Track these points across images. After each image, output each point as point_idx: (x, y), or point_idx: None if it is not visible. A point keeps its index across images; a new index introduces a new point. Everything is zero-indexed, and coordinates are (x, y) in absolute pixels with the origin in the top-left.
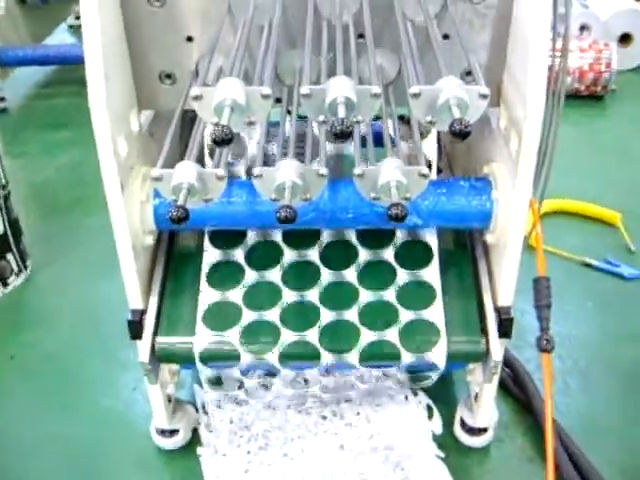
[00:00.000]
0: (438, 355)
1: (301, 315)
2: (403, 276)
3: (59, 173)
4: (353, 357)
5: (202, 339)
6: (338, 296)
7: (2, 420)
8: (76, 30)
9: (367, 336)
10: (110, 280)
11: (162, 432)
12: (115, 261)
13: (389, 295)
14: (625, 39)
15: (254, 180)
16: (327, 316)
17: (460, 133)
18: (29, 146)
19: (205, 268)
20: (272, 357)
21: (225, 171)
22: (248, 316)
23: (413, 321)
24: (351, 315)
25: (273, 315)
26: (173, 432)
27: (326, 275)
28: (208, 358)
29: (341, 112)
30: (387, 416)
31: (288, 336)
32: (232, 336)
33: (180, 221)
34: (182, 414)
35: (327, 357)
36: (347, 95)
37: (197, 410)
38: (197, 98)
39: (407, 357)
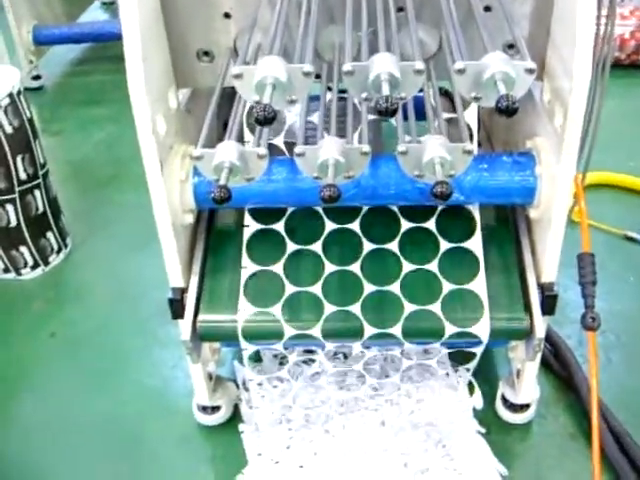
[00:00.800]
0: (481, 328)
1: (344, 288)
2: (446, 247)
3: (96, 150)
4: (396, 329)
5: (245, 315)
6: (380, 268)
7: (45, 398)
8: (109, 7)
9: (410, 308)
10: (148, 257)
11: (204, 409)
12: (153, 238)
13: (432, 266)
14: None
15: (296, 158)
16: (369, 288)
17: (507, 109)
18: (66, 124)
19: (246, 243)
20: (315, 331)
21: (266, 150)
22: (290, 290)
23: (456, 293)
24: (394, 287)
25: (316, 288)
26: (215, 409)
27: (368, 246)
28: (251, 335)
29: (385, 89)
30: (428, 392)
31: (331, 309)
32: (275, 311)
33: (223, 201)
34: (223, 391)
35: (370, 330)
36: (391, 72)
37: (238, 387)
38: (238, 77)
39: (450, 329)
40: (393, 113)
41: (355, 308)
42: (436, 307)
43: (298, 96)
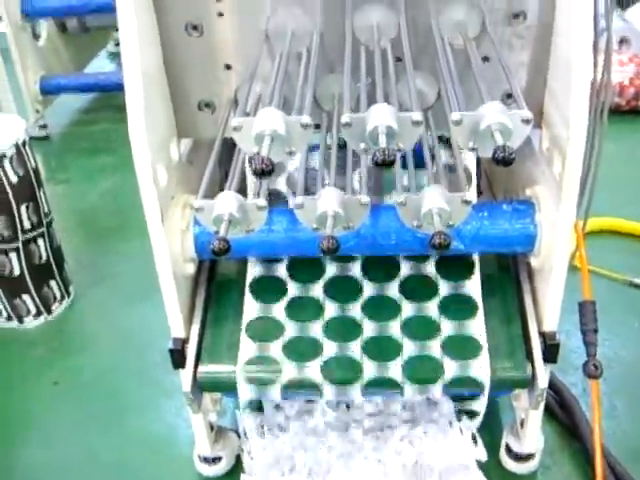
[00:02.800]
0: (481, 372)
1: (344, 331)
2: (445, 292)
3: (101, 199)
4: (396, 373)
5: (246, 356)
6: (380, 312)
7: (48, 445)
8: (115, 57)
9: (409, 351)
10: (152, 306)
11: (205, 459)
12: (156, 287)
13: (432, 311)
14: None
15: (295, 210)
16: (369, 332)
17: (504, 160)
18: (71, 172)
19: (248, 287)
20: (315, 374)
21: (266, 201)
22: (291, 332)
23: (456, 338)
24: (394, 331)
25: (316, 331)
26: (216, 459)
27: (368, 291)
28: (251, 379)
29: (382, 141)
30: (431, 443)
31: (331, 352)
32: (275, 354)
33: (222, 253)
34: (225, 441)
35: (369, 372)
36: (388, 124)
37: (239, 437)
38: (237, 129)
39: (450, 372)
40: (390, 165)
41: (355, 351)
42: (436, 350)
43: (297, 147)
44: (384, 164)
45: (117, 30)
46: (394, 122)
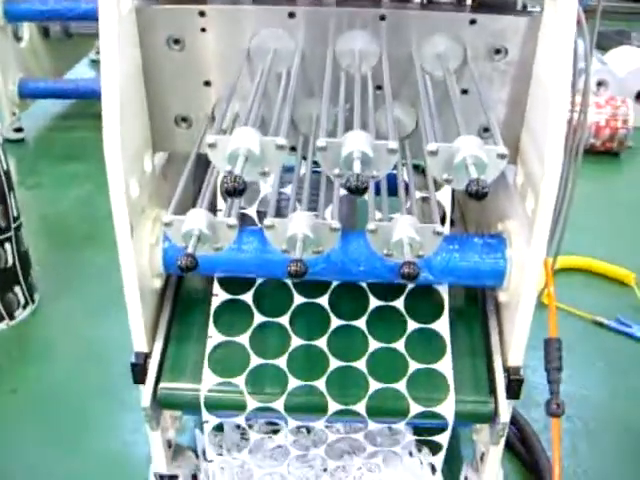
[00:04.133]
0: (446, 409)
1: (309, 362)
2: (413, 327)
3: (72, 206)
4: (360, 407)
5: (208, 384)
6: (347, 344)
7: (3, 454)
8: (96, 64)
9: (375, 386)
10: (116, 318)
11: (161, 478)
12: (122, 299)
13: (399, 345)
14: None
15: (265, 231)
16: (335, 364)
17: (477, 194)
18: (44, 177)
19: (213, 312)
20: (279, 405)
21: (236, 220)
22: (255, 362)
23: (422, 373)
24: (360, 364)
25: (281, 362)
26: (172, 477)
27: (335, 322)
28: (213, 405)
29: (357, 167)
30: (390, 471)
31: (295, 384)
32: (239, 382)
33: (188, 270)
34: (182, 459)
35: (334, 406)
36: (363, 150)
37: (197, 456)
38: (212, 146)
39: (415, 409)
40: (363, 192)
41: (320, 383)
42: (401, 386)
43: (271, 168)
44: (357, 190)
45: None
46: (369, 149)
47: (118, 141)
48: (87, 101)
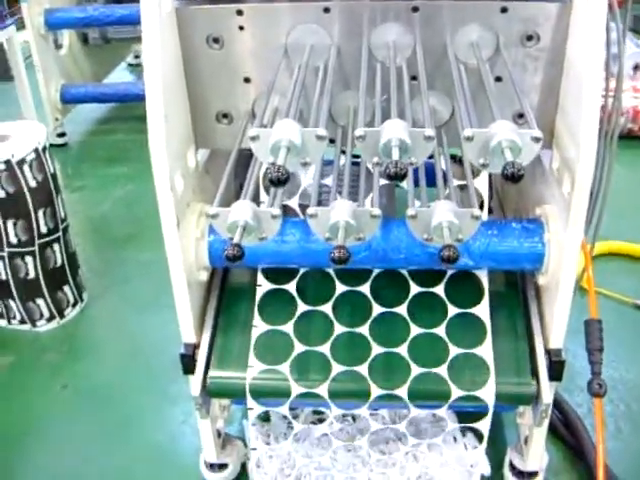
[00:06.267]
0: (487, 392)
1: (352, 349)
2: (454, 312)
3: (115, 207)
4: (402, 391)
5: (254, 372)
6: (389, 330)
7: (55, 449)
8: (135, 68)
9: (417, 370)
10: (162, 314)
11: (211, 466)
12: (166, 295)
13: (439, 331)
14: None
15: (308, 219)
16: (377, 350)
17: (513, 176)
18: (87, 180)
19: (257, 302)
20: (322, 391)
21: (280, 210)
22: (299, 349)
23: (463, 357)
24: (401, 350)
25: (324, 348)
26: (222, 466)
27: (377, 309)
28: (259, 392)
29: (395, 154)
30: (435, 457)
31: (339, 369)
32: (284, 369)
33: (235, 259)
34: (231, 448)
35: (376, 391)
36: (401, 137)
37: (246, 445)
38: (254, 139)
39: (456, 392)
40: (402, 178)
41: (362, 369)
42: (443, 370)
43: (312, 159)
44: (397, 176)
45: (137, 42)
46: (407, 136)
47: (163, 138)
48: (126, 105)
